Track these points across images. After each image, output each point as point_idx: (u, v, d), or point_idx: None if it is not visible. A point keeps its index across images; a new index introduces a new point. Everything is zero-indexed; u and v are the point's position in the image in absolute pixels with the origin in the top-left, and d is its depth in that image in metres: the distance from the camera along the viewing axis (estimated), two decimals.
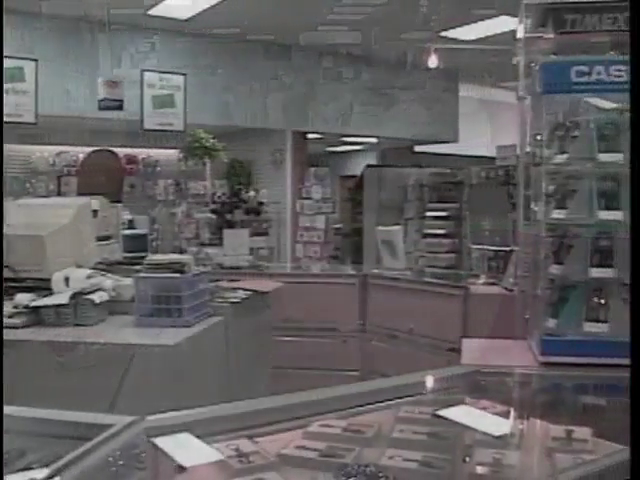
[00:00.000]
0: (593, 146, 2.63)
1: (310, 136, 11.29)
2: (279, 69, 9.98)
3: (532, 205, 2.76)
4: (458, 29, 9.03)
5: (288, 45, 9.79)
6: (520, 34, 3.12)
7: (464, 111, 11.28)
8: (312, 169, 10.47)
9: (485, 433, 2.46)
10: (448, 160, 11.56)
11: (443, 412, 2.29)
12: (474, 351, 3.02)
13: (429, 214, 8.33)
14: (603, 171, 2.65)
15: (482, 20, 8.55)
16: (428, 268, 7.52)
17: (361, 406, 2.26)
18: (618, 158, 2.61)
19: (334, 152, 15.42)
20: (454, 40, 9.27)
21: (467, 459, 2.44)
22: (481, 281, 4.93)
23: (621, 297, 2.70)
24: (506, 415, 2.61)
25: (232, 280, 4.59)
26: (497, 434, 2.42)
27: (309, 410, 2.13)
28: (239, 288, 4.18)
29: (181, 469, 1.70)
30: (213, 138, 8.84)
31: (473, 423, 2.51)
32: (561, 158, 2.70)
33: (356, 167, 11.50)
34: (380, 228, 5.76)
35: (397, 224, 5.97)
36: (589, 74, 2.62)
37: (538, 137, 2.87)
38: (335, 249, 10.53)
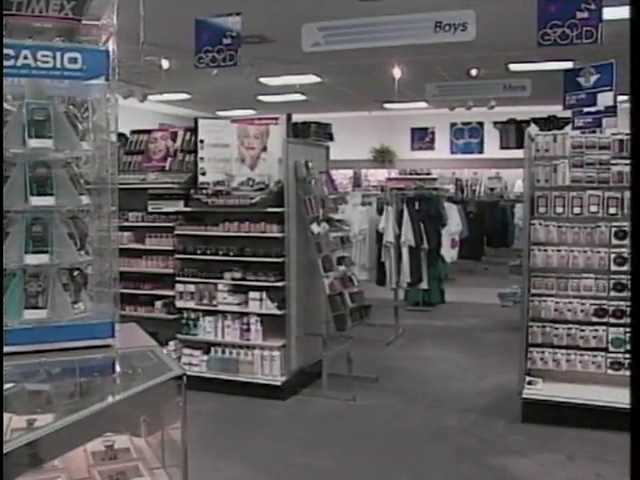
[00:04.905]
0: (24, 132, 2.59)
1: None
2: None
3: None
4: None
5: None
6: None
7: None
8: None
9: None
10: None
11: None
12: None
13: None
14: (35, 157, 2.63)
15: None
16: None
17: None
18: (48, 144, 2.61)
19: None
20: None
21: None
22: None
23: (61, 282, 2.72)
24: None
25: None
26: None
27: None
28: None
29: None
30: None
31: None
32: None
33: None
34: None
35: None
36: (16, 58, 2.56)
37: None
38: None
